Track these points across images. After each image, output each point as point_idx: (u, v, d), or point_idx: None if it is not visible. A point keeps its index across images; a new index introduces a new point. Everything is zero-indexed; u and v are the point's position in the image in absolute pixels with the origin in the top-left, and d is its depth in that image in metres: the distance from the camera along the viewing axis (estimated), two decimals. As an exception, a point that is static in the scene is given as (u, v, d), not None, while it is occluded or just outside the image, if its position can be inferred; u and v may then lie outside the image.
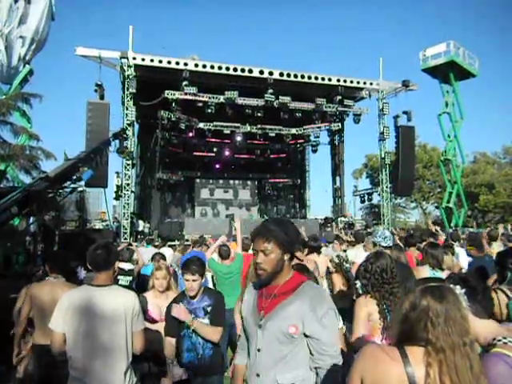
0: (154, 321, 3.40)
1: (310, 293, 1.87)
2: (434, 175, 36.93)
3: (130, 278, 5.39)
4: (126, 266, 5.49)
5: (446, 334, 1.35)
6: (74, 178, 7.69)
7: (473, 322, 1.63)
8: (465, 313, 1.39)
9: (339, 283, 5.05)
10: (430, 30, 78.39)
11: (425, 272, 3.82)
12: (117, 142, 13.07)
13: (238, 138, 20.88)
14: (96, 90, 15.21)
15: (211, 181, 25.39)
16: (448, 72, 19.71)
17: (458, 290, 1.67)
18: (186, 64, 16.15)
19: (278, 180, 26.06)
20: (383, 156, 20.02)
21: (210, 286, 6.14)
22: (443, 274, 3.71)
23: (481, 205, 33.82)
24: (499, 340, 1.57)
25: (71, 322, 2.47)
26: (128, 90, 15.66)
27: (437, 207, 36.71)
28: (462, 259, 5.58)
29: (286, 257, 1.90)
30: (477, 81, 21.91)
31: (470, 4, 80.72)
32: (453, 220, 20.74)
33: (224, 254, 5.41)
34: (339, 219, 21.54)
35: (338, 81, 18.14)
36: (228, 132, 20.28)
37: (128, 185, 15.83)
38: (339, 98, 18.77)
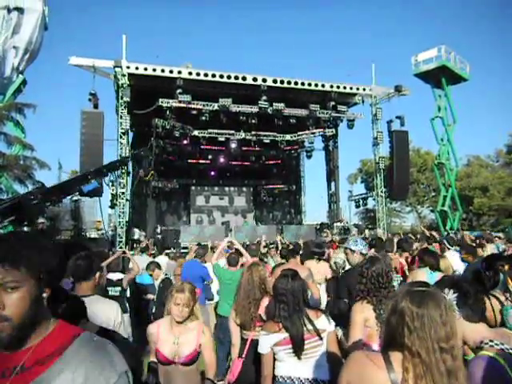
0: (166, 361, 2.75)
1: (87, 355, 1.14)
2: (429, 179, 37.13)
3: (119, 289, 5.25)
4: (115, 276, 5.37)
5: (421, 338, 1.34)
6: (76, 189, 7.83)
7: (463, 325, 1.65)
8: (447, 318, 1.37)
9: None
10: (421, 35, 79.25)
11: (422, 274, 3.85)
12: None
13: (233, 145, 20.92)
14: (90, 99, 15.21)
15: (206, 188, 25.40)
16: (440, 77, 19.91)
17: (450, 294, 1.68)
18: (179, 72, 16.20)
19: (273, 186, 26.10)
20: (377, 161, 20.13)
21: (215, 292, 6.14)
22: (439, 276, 3.73)
23: (475, 208, 33.99)
24: (486, 343, 1.59)
25: None
26: (122, 98, 15.67)
27: (432, 211, 36.84)
28: (456, 263, 5.61)
29: (46, 294, 1.18)
30: (468, 85, 22.09)
31: (461, 9, 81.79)
32: (448, 223, 20.83)
33: (232, 261, 5.44)
34: (335, 224, 21.58)
35: (331, 87, 18.26)
36: (223, 139, 20.32)
37: (123, 193, 15.78)
38: (332, 103, 18.89)
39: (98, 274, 2.75)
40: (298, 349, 2.52)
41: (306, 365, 2.54)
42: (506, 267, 3.01)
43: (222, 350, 5.20)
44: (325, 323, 2.61)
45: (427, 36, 73.43)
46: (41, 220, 12.67)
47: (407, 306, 1.39)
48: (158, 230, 19.70)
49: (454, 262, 5.67)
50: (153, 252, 10.37)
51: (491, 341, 1.59)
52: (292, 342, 2.51)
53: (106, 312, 2.57)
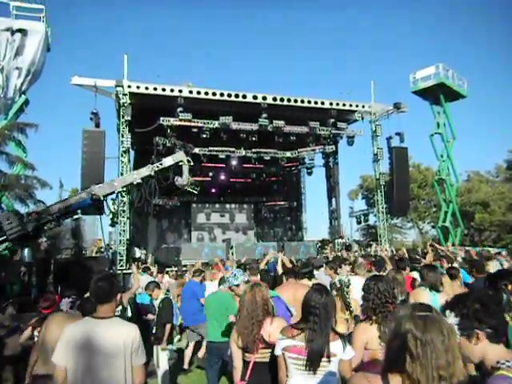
0: None
1: None
2: (429, 195, 37.09)
3: (120, 308, 5.20)
4: None
5: (423, 366, 1.32)
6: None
7: (484, 346, 1.62)
8: (449, 344, 1.35)
9: (338, 308, 4.99)
10: (419, 53, 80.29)
11: (424, 294, 3.80)
12: None
13: (234, 163, 20.99)
14: (92, 119, 15.34)
15: (207, 205, 25.38)
16: (438, 94, 20.10)
17: (452, 317, 1.66)
18: (180, 91, 16.38)
19: (274, 203, 26.09)
20: (378, 177, 20.18)
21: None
22: (441, 296, 3.68)
23: (477, 223, 33.86)
24: (503, 363, 1.57)
25: (72, 357, 2.43)
26: (123, 117, 15.81)
27: (433, 227, 36.72)
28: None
29: None
30: (467, 101, 22.27)
31: (459, 27, 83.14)
32: (450, 239, 20.73)
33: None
34: (336, 241, 21.49)
35: (331, 104, 18.44)
36: (223, 156, 20.41)
37: (124, 211, 15.77)
38: (332, 120, 19.04)
39: (118, 296, 2.75)
40: (311, 363, 2.53)
41: (312, 381, 2.54)
42: (510, 287, 2.99)
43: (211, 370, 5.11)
44: (338, 348, 2.59)
45: (425, 54, 74.45)
46: (44, 239, 12.64)
47: (410, 331, 1.37)
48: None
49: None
50: (153, 270, 10.30)
51: (507, 361, 1.57)
52: (308, 355, 2.54)
53: (126, 334, 2.54)
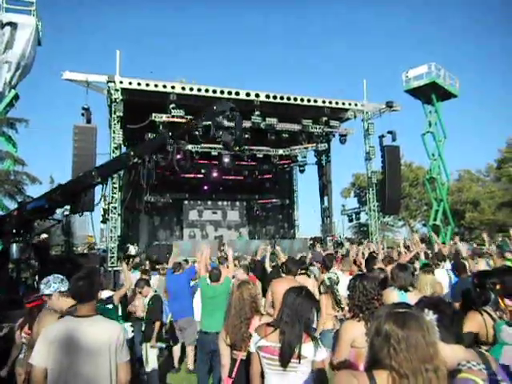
0: None
1: None
2: (421, 193, 37.38)
3: (110, 306, 5.19)
4: (104, 294, 5.29)
5: (407, 360, 1.34)
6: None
7: (442, 348, 1.64)
8: (430, 339, 1.38)
9: (329, 305, 5.00)
10: (411, 52, 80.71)
11: (393, 295, 3.81)
12: None
13: (226, 160, 20.95)
14: (83, 114, 15.19)
15: (199, 202, 25.33)
16: (430, 93, 20.20)
17: (431, 315, 1.67)
18: (173, 87, 16.28)
19: (266, 200, 26.12)
20: (370, 175, 20.28)
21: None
22: (410, 296, 3.69)
23: (467, 222, 34.21)
24: (464, 365, 1.58)
25: (54, 356, 2.39)
26: (115, 113, 15.69)
27: (424, 225, 37.05)
28: (441, 279, 5.59)
29: None
30: (458, 101, 22.45)
31: (450, 26, 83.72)
32: (440, 237, 20.89)
33: (213, 277, 5.36)
34: (328, 238, 21.57)
35: (324, 102, 18.44)
36: (216, 153, 20.36)
37: (115, 208, 15.68)
38: (325, 119, 19.06)
39: (100, 293, 2.72)
40: (281, 364, 2.54)
41: (286, 381, 2.56)
42: (498, 286, 3.01)
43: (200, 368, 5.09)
44: (309, 350, 2.58)
45: (418, 53, 74.82)
46: (43, 236, 12.46)
47: (391, 328, 1.39)
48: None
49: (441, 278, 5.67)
50: (146, 268, 10.23)
51: (468, 362, 1.58)
52: (281, 349, 2.55)
53: (109, 332, 2.52)
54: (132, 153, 5.97)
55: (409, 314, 1.42)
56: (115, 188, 15.62)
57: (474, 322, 2.93)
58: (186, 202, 25.01)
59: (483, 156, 70.53)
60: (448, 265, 6.25)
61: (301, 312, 2.64)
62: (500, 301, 2.96)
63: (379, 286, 3.20)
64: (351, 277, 3.56)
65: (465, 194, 36.04)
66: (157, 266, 10.08)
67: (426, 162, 23.24)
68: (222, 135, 5.78)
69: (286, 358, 2.54)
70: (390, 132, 19.42)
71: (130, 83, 15.85)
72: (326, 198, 23.25)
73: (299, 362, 2.54)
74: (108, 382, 2.46)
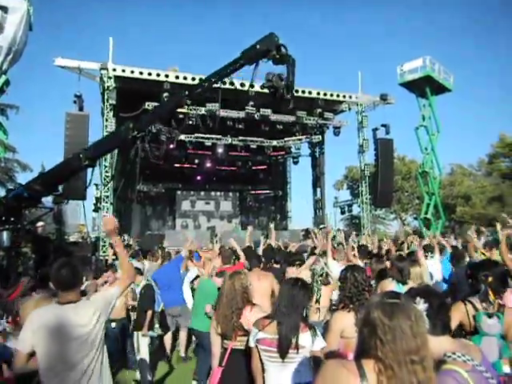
0: None
1: None
2: (413, 187, 37.62)
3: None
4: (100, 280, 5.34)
5: (393, 351, 1.35)
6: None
7: (428, 339, 1.66)
8: (417, 330, 1.38)
9: (326, 296, 5.01)
10: (407, 45, 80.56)
11: (390, 286, 3.86)
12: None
13: (220, 150, 20.90)
14: (75, 101, 15.01)
15: (192, 192, 25.29)
16: (424, 86, 20.21)
17: (421, 304, 1.68)
18: (166, 76, 16.14)
19: (259, 191, 26.15)
20: (363, 168, 20.37)
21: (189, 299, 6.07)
22: (407, 288, 3.73)
23: (457, 216, 34.54)
24: (449, 356, 1.59)
25: (42, 343, 2.36)
26: (108, 101, 15.54)
27: (415, 218, 37.30)
28: (433, 270, 5.64)
29: None
30: (452, 95, 22.52)
31: (446, 22, 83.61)
32: (431, 231, 21.07)
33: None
34: (320, 230, 21.66)
35: (318, 94, 18.40)
36: (209, 144, 20.28)
37: (107, 197, 15.60)
38: (319, 110, 19.02)
39: (84, 281, 2.68)
40: (280, 355, 2.56)
41: (285, 372, 2.58)
42: (490, 279, 3.05)
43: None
44: (307, 340, 2.61)
45: (413, 46, 74.69)
46: (40, 223, 12.34)
47: (379, 317, 1.39)
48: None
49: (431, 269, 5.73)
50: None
51: (454, 353, 1.60)
52: (279, 340, 2.58)
53: (93, 313, 2.50)
54: (131, 125, 5.20)
55: (397, 304, 1.42)
56: (107, 177, 15.52)
57: (456, 312, 2.99)
58: (178, 192, 24.96)
59: (475, 151, 71.11)
60: (437, 256, 6.31)
61: (297, 302, 2.67)
62: (490, 293, 3.00)
63: (378, 277, 3.23)
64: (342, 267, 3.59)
65: (456, 188, 36.34)
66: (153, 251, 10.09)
67: (418, 156, 23.33)
68: (271, 79, 4.90)
69: (284, 348, 2.57)
70: (383, 125, 19.47)
71: (124, 71, 15.68)
72: (318, 190, 23.32)
73: (297, 352, 2.57)
74: (97, 366, 2.46)
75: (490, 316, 2.91)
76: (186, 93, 5.32)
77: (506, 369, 2.87)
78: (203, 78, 5.68)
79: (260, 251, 6.80)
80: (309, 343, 2.60)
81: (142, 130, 6.62)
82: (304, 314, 2.73)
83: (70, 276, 2.49)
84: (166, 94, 15.49)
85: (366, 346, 1.42)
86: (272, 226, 8.10)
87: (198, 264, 6.77)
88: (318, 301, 4.78)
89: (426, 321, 1.48)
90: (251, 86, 17.05)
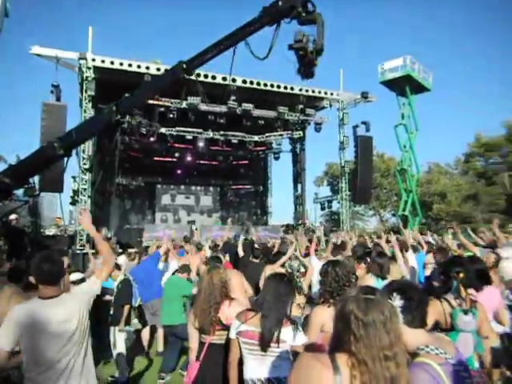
0: None
1: None
2: (391, 184, 38.24)
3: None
4: (74, 276, 5.19)
5: (366, 346, 1.36)
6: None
7: (404, 331, 1.69)
8: (391, 326, 1.39)
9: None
10: (388, 44, 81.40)
11: (369, 281, 3.91)
12: None
13: (201, 144, 20.76)
14: (52, 91, 14.64)
15: (172, 186, 25.10)
16: (404, 85, 20.53)
17: (397, 300, 1.71)
18: (147, 68, 15.88)
19: (240, 186, 26.13)
20: (343, 165, 20.58)
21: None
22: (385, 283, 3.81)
23: (434, 213, 35.30)
24: (422, 349, 1.63)
25: (25, 339, 2.31)
26: (86, 92, 15.21)
27: (393, 215, 37.98)
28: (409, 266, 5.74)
29: None
30: (431, 95, 22.95)
31: (426, 20, 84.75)
32: (408, 227, 21.47)
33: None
34: (300, 226, 21.81)
35: (300, 90, 18.45)
36: (190, 138, 20.12)
37: (85, 189, 15.31)
38: (301, 106, 19.12)
39: (66, 276, 2.63)
40: (261, 348, 2.58)
41: (265, 365, 2.60)
42: (461, 275, 3.12)
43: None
44: (288, 335, 2.63)
45: (394, 46, 75.53)
46: (13, 216, 12.02)
47: (353, 312, 1.41)
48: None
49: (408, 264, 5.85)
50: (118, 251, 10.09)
51: (427, 346, 1.63)
52: (261, 333, 2.59)
53: (77, 307, 2.46)
54: (115, 107, 4.78)
55: (372, 300, 1.43)
56: (85, 169, 15.23)
57: (433, 310, 3.04)
58: (158, 185, 24.73)
59: (453, 150, 72.57)
60: (411, 253, 6.46)
61: (282, 297, 2.69)
62: (462, 289, 3.07)
63: (350, 273, 3.26)
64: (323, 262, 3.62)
65: (433, 186, 37.11)
66: (129, 250, 9.94)
67: (397, 154, 23.74)
68: (302, 40, 4.27)
69: (265, 342, 2.58)
70: (363, 122, 19.68)
71: (103, 61, 15.36)
72: (299, 186, 23.44)
73: (278, 347, 2.59)
74: (80, 361, 2.43)
75: (465, 313, 2.97)
76: (184, 66, 4.54)
77: (476, 364, 2.96)
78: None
79: (239, 246, 6.81)
80: (290, 338, 2.62)
81: (127, 113, 6.07)
82: (289, 310, 2.74)
83: (52, 270, 2.44)
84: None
85: (340, 340, 1.43)
86: (250, 225, 8.14)
87: (182, 259, 6.74)
88: (304, 295, 4.85)
89: (400, 317, 1.50)
90: (233, 80, 16.99)
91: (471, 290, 3.09)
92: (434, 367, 1.54)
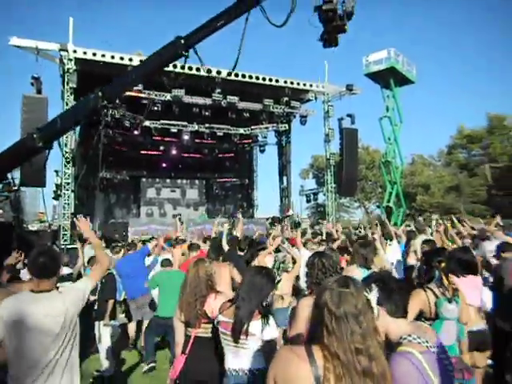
0: None
1: None
2: (376, 176, 38.60)
3: (69, 283, 5.08)
4: (64, 270, 5.20)
5: (339, 339, 1.37)
6: None
7: (386, 321, 1.71)
8: (363, 319, 1.40)
9: (290, 281, 5.07)
10: (373, 36, 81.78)
11: (354, 272, 3.95)
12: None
13: (186, 137, 20.61)
14: (33, 84, 14.31)
15: (158, 180, 24.90)
16: (388, 78, 20.65)
17: (373, 293, 1.72)
18: (130, 59, 15.65)
19: (225, 179, 26.08)
20: (328, 157, 20.68)
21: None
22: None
23: (417, 204, 35.81)
24: (405, 338, 1.66)
25: (10, 336, 2.27)
26: (68, 84, 14.92)
27: (378, 206, 38.37)
28: (390, 257, 5.83)
29: None
30: (415, 87, 23.13)
31: (410, 14, 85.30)
32: (392, 218, 21.75)
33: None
34: (286, 218, 21.90)
35: (285, 82, 18.43)
36: (175, 130, 19.95)
37: (68, 184, 15.08)
38: (286, 99, 19.11)
39: (61, 270, 2.60)
40: (233, 340, 2.60)
41: (239, 357, 2.62)
42: (443, 264, 3.18)
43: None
44: (257, 328, 2.61)
45: (379, 38, 75.91)
46: None
47: (326, 305, 1.41)
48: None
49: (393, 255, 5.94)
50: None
51: (409, 335, 1.66)
52: (233, 324, 2.60)
53: (69, 303, 2.43)
54: (100, 93, 4.25)
55: (345, 292, 1.43)
56: (68, 163, 14.99)
57: (418, 299, 3.08)
58: (143, 179, 24.50)
59: (436, 142, 73.46)
60: (395, 243, 6.56)
61: (257, 289, 2.69)
62: (444, 278, 3.13)
63: (337, 264, 3.27)
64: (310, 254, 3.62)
65: (417, 178, 37.60)
66: (113, 244, 9.85)
67: (382, 146, 23.95)
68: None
69: (236, 333, 2.59)
70: (349, 115, 19.76)
71: (85, 53, 15.08)
72: (285, 179, 23.51)
73: (246, 339, 2.59)
74: (70, 363, 2.41)
75: (450, 301, 3.03)
76: (182, 41, 3.88)
77: (458, 351, 3.04)
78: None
79: (224, 240, 6.80)
80: (258, 331, 2.60)
81: (114, 99, 5.43)
82: (264, 302, 2.74)
83: (47, 264, 2.44)
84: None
85: (315, 332, 1.44)
86: (240, 216, 8.09)
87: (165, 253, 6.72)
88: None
89: (374, 310, 1.51)
90: (218, 72, 16.85)
91: (453, 278, 3.15)
92: (416, 355, 1.57)
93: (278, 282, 4.83)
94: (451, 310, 3.03)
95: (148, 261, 6.77)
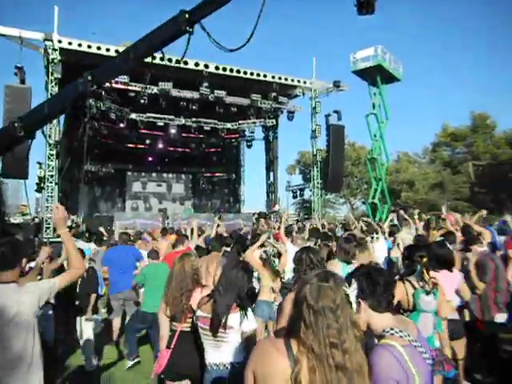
0: None
1: None
2: (362, 172, 38.90)
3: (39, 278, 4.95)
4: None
5: (315, 333, 1.39)
6: None
7: (369, 314, 1.74)
8: (340, 313, 1.41)
9: (268, 278, 5.10)
10: (362, 33, 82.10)
11: (336, 267, 3.98)
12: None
13: (172, 131, 20.45)
14: (16, 73, 14.00)
15: (143, 174, 24.69)
16: (375, 75, 20.77)
17: (352, 288, 1.74)
18: (117, 51, 15.39)
19: (212, 174, 26.00)
20: (315, 153, 20.76)
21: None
22: (351, 268, 3.90)
23: (402, 201, 36.25)
24: (387, 331, 1.68)
25: None
26: (52, 74, 14.64)
27: (363, 203, 38.75)
28: (378, 251, 5.90)
29: None
30: (401, 85, 23.32)
31: (397, 12, 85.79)
32: (377, 215, 21.98)
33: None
34: (272, 214, 21.95)
35: (273, 78, 18.42)
36: (162, 124, 19.76)
37: (52, 176, 14.84)
38: (274, 94, 19.12)
39: (24, 262, 2.53)
40: (211, 333, 2.61)
41: (218, 351, 2.64)
42: (424, 259, 3.24)
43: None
44: (235, 321, 2.63)
45: (366, 35, 76.25)
46: None
47: (305, 299, 1.43)
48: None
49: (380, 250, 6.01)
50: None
51: (392, 329, 1.69)
52: (211, 318, 2.62)
53: (29, 299, 2.34)
54: (90, 77, 3.83)
55: (324, 287, 1.45)
56: (52, 155, 14.76)
57: (396, 291, 3.15)
58: (129, 172, 24.26)
59: (421, 139, 74.36)
60: (381, 237, 6.65)
61: (234, 283, 2.70)
62: (425, 272, 3.20)
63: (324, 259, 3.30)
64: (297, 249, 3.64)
65: (402, 175, 38.03)
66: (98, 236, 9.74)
67: (368, 143, 24.11)
68: None
69: (214, 327, 2.60)
70: (336, 111, 19.86)
71: (70, 43, 14.80)
72: (271, 174, 23.55)
73: (225, 332, 2.60)
74: (37, 358, 2.35)
75: (427, 293, 3.10)
76: (187, 16, 3.30)
77: (437, 343, 3.11)
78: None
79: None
80: (236, 324, 2.62)
81: (104, 83, 4.96)
82: (241, 295, 2.74)
83: (10, 254, 2.38)
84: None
85: (294, 325, 1.45)
86: (217, 219, 8.07)
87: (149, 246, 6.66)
88: (281, 278, 4.89)
89: (351, 304, 1.52)
90: (205, 66, 16.74)
91: (433, 273, 3.21)
92: (398, 348, 1.59)
93: (279, 274, 4.88)
94: (428, 302, 3.10)
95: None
